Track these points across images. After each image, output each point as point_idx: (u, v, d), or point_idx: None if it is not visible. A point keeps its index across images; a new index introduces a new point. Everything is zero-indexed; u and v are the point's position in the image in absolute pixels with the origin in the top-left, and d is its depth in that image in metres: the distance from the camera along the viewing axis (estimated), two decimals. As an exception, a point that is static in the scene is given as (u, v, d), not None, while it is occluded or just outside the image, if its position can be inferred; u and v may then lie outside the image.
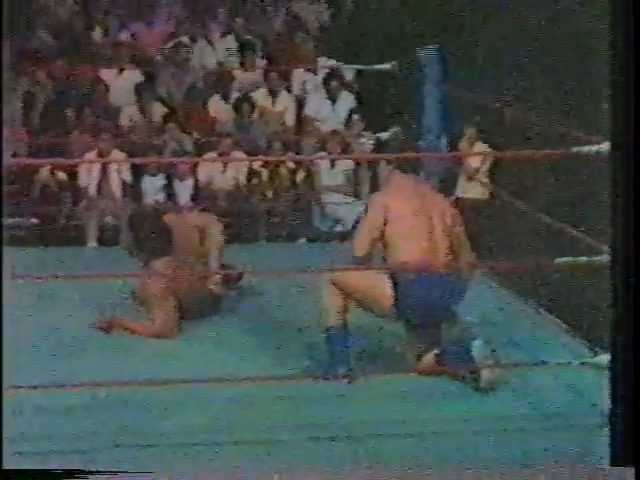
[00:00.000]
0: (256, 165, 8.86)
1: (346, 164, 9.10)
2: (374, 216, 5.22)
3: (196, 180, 8.73)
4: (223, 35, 10.20)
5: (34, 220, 8.61)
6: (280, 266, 7.40)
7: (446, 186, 8.37)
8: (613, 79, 3.36)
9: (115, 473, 3.74)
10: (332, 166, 9.07)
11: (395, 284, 5.13)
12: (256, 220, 8.77)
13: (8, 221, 8.44)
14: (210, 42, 10.12)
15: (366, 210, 5.34)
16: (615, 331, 3.39)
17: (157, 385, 4.91)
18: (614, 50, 3.34)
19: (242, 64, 9.75)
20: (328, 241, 8.63)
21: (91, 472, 3.66)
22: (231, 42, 10.10)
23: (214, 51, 10.08)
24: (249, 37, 10.10)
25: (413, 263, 5.15)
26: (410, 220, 5.21)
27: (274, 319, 6.16)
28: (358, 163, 9.13)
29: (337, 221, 8.94)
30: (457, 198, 8.45)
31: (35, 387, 4.62)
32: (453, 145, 8.52)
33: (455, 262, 5.32)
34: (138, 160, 8.66)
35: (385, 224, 5.19)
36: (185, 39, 9.97)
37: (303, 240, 8.82)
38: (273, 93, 9.56)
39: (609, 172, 3.42)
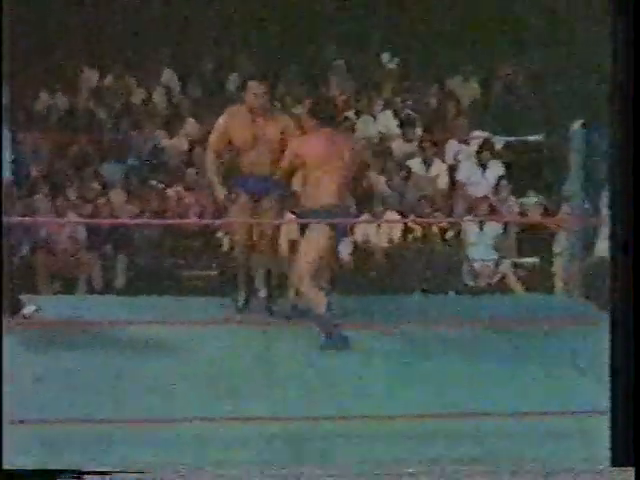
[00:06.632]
0: (411, 224, 9.28)
1: (494, 225, 9.41)
2: None
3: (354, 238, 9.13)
4: (384, 109, 10.67)
5: (213, 272, 9.17)
6: (429, 316, 7.31)
7: (588, 247, 8.56)
8: None
9: (109, 473, 3.73)
10: (481, 228, 9.40)
11: None
12: (411, 274, 9.11)
13: (196, 272, 9.15)
14: (373, 116, 10.61)
15: None
16: (615, 331, 3.39)
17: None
18: None
19: (403, 136, 10.22)
20: (475, 295, 8.85)
21: (87, 472, 3.68)
22: (390, 116, 10.55)
23: (376, 124, 10.54)
24: (409, 112, 10.53)
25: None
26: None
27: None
28: (506, 225, 9.42)
29: (482, 277, 9.26)
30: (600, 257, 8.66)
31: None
32: (596, 209, 8.70)
33: None
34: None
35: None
36: (351, 113, 10.46)
37: (453, 293, 9.11)
38: (427, 161, 9.96)
39: None
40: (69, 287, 9.07)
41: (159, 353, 5.95)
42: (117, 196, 9.49)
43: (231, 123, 6.68)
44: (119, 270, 9.16)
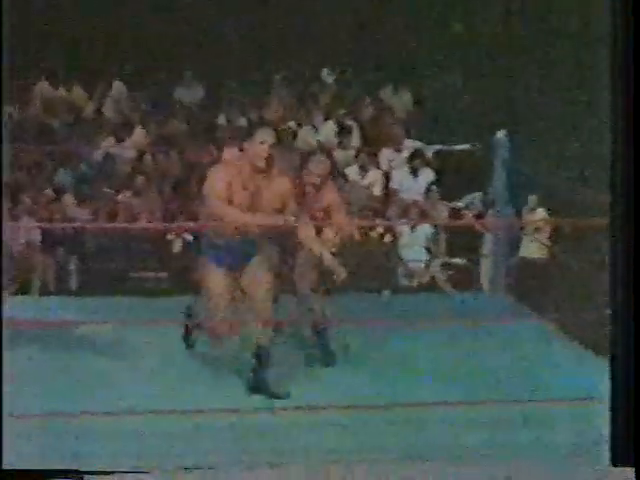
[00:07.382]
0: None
1: (425, 228, 9.81)
2: None
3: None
4: (325, 120, 11.07)
5: (163, 274, 9.53)
6: (364, 315, 7.71)
7: (513, 247, 9.07)
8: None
9: (110, 473, 3.71)
10: (412, 230, 9.80)
11: None
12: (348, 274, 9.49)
13: (146, 274, 9.53)
14: (314, 126, 11.00)
15: None
16: (615, 333, 3.43)
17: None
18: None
19: (340, 144, 10.59)
20: (408, 293, 9.23)
21: (88, 472, 3.67)
22: (331, 126, 10.93)
23: (317, 134, 10.91)
24: (348, 122, 10.93)
25: None
26: None
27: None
28: (436, 227, 9.83)
29: (415, 276, 9.69)
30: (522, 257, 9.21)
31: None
32: (518, 212, 9.25)
33: None
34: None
35: None
36: (292, 123, 10.84)
37: (387, 292, 9.39)
38: (363, 169, 10.34)
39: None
40: (23, 288, 9.13)
41: (109, 351, 6.21)
42: (70, 201, 9.72)
43: (232, 180, 5.46)
44: (72, 272, 9.37)
